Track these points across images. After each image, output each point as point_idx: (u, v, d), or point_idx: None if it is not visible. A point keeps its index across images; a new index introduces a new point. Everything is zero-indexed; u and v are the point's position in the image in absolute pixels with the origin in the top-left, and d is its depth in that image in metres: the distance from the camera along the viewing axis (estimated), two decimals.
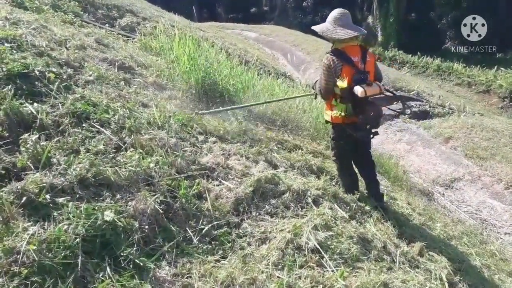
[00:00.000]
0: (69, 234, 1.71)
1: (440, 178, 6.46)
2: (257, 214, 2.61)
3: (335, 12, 3.21)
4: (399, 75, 16.00)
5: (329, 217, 2.78)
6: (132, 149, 2.58)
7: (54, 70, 3.05)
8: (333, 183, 3.53)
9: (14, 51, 3.12)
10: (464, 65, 20.42)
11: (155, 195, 2.27)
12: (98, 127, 2.67)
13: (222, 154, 3.23)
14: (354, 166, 3.65)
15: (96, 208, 1.94)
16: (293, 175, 3.36)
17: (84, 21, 6.70)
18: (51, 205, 1.84)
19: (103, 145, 2.47)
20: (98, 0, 8.91)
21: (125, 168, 2.33)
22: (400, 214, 3.91)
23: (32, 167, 2.04)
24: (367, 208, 3.38)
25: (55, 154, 2.23)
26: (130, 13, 9.58)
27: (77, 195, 1.99)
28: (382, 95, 3.31)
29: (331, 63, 3.10)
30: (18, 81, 2.74)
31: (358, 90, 3.01)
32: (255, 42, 21.99)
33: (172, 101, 4.01)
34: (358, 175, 3.71)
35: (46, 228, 1.72)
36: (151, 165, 2.50)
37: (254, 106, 5.19)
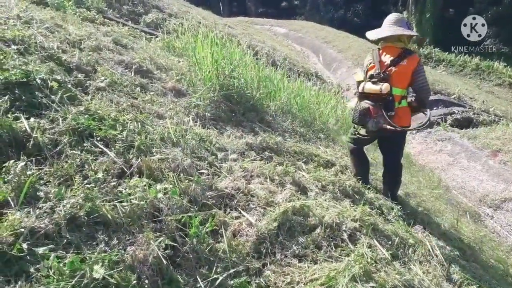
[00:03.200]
0: None
1: (488, 197, 5.71)
2: (283, 256, 2.18)
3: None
4: (436, 76, 15.03)
5: (369, 260, 2.31)
6: (137, 176, 2.20)
7: (58, 78, 2.71)
8: (373, 212, 3.05)
9: (18, 55, 2.80)
10: (505, 64, 19.22)
11: (160, 236, 1.88)
12: (102, 147, 2.30)
13: (243, 176, 2.83)
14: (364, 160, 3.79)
15: (86, 258, 1.57)
16: (325, 200, 2.91)
17: (107, 17, 6.43)
18: (27, 257, 1.48)
19: (104, 171, 2.11)
20: None
21: (127, 202, 1.95)
22: (447, 246, 3.38)
23: (13, 202, 1.69)
24: (411, 241, 2.91)
25: (45, 184, 1.89)
26: (156, 8, 9.29)
27: (64, 241, 1.63)
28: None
29: (365, 60, 3.47)
30: (16, 91, 2.41)
31: (361, 85, 3.33)
32: (285, 38, 21.35)
33: (191, 110, 3.62)
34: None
35: None
36: (159, 195, 2.11)
37: (280, 113, 4.77)
